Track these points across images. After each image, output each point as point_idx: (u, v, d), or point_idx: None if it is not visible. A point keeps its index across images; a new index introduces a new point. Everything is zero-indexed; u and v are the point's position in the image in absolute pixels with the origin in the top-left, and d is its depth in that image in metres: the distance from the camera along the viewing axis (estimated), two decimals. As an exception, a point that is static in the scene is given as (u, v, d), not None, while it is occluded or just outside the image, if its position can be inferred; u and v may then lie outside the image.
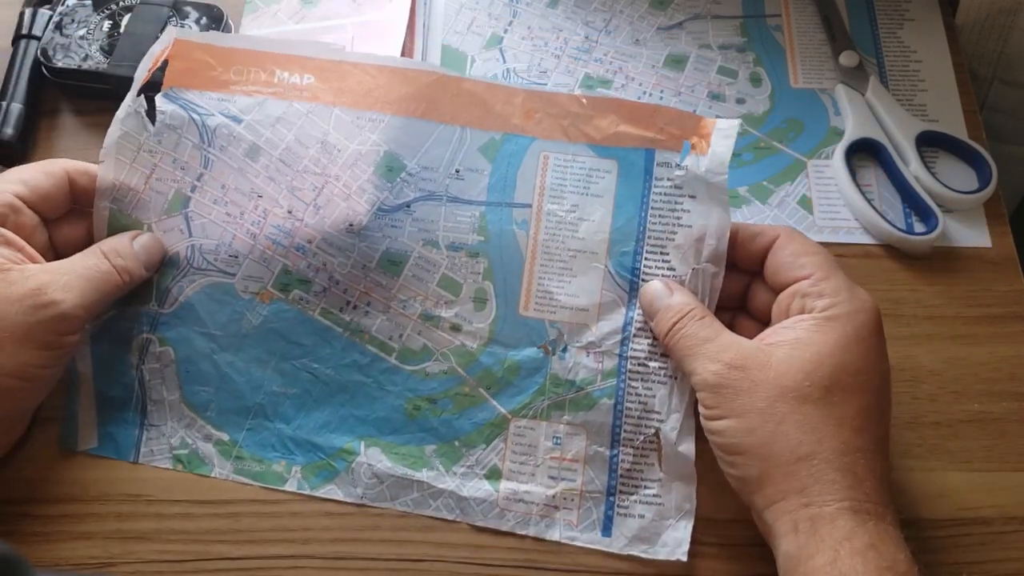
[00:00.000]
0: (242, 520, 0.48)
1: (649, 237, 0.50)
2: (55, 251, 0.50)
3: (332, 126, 0.51)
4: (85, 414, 0.50)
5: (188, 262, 0.50)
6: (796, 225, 0.55)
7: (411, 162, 0.51)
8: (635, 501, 0.47)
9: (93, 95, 0.59)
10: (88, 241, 0.51)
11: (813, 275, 0.45)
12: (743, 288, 0.50)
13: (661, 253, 0.50)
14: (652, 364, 0.49)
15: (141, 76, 0.52)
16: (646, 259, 0.50)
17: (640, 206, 0.51)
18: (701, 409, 0.45)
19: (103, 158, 0.51)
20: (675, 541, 0.46)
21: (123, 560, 0.47)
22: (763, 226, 0.49)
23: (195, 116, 0.51)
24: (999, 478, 0.49)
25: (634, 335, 0.50)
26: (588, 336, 0.50)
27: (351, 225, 0.50)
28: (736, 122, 0.50)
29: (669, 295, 0.48)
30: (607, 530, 0.47)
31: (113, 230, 0.50)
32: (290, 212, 0.50)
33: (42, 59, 0.57)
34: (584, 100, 0.53)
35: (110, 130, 0.51)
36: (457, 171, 0.52)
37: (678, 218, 0.50)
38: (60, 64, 0.57)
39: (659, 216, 0.50)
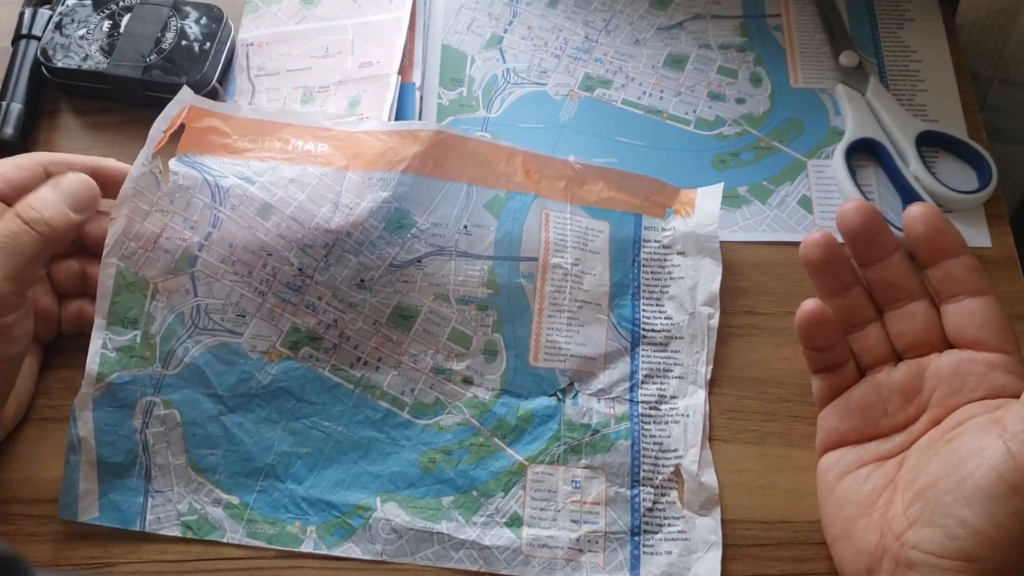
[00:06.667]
0: (242, 520, 0.48)
1: (644, 291, 0.52)
2: None
3: (344, 187, 0.51)
4: (86, 482, 0.47)
5: (193, 323, 0.50)
6: (795, 226, 0.55)
7: (421, 218, 0.52)
8: (660, 539, 0.47)
9: (93, 95, 0.59)
10: (80, 244, 0.51)
11: (1012, 353, 0.41)
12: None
13: (657, 305, 0.52)
14: (663, 407, 0.50)
15: (156, 138, 0.51)
16: (644, 311, 0.52)
17: (632, 264, 0.53)
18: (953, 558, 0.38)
19: (115, 215, 0.50)
20: (706, 571, 0.46)
21: (123, 560, 0.47)
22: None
23: (208, 177, 0.51)
24: (999, 478, 0.49)
25: (642, 381, 0.50)
26: (597, 384, 0.50)
27: (363, 281, 0.50)
28: (720, 186, 0.54)
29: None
30: (635, 569, 0.46)
31: (119, 287, 0.49)
32: (300, 271, 0.50)
33: (42, 59, 0.57)
34: (576, 166, 0.54)
35: (124, 186, 0.50)
36: (465, 227, 0.52)
37: (669, 272, 0.53)
38: (60, 64, 0.57)
39: (651, 272, 0.53)
